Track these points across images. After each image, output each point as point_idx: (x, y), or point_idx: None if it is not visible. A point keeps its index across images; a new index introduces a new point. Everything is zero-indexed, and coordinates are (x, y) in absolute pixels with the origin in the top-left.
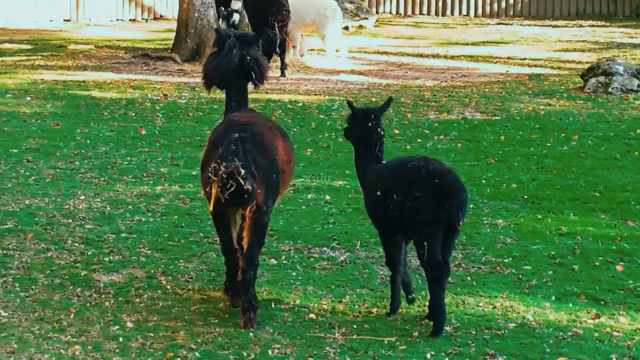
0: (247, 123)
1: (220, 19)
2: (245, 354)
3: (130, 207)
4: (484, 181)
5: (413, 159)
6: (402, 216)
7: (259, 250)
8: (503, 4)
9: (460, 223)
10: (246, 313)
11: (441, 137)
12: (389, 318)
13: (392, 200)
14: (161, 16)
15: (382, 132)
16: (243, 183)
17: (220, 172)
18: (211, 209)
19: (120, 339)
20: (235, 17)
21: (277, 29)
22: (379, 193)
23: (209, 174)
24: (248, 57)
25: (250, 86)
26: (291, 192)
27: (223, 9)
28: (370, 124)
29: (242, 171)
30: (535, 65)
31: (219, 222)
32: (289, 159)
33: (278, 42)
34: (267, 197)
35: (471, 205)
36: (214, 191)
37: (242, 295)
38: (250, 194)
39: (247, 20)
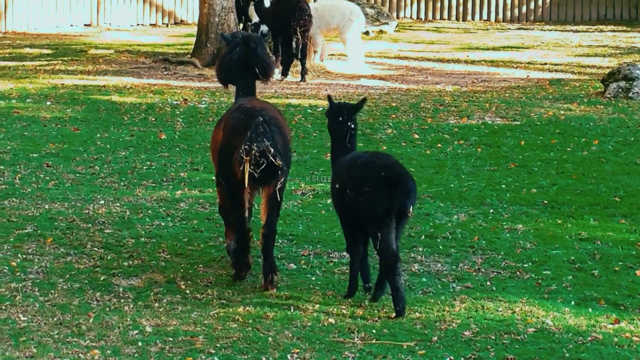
0: (263, 108)
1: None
2: (264, 358)
3: (149, 211)
4: (504, 186)
5: (364, 154)
6: (357, 208)
7: (277, 219)
8: (524, 9)
9: (410, 210)
10: (268, 275)
11: (461, 142)
12: (402, 320)
13: (347, 193)
14: (182, 21)
15: (352, 126)
16: (274, 160)
17: (253, 151)
18: (247, 184)
19: (140, 344)
20: (263, 28)
21: (299, 33)
22: (337, 186)
23: (241, 155)
24: (252, 55)
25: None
26: (311, 196)
27: (250, 24)
28: (341, 118)
29: (272, 150)
30: (556, 70)
31: (235, 201)
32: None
33: (300, 47)
34: (286, 170)
35: (491, 210)
36: (246, 169)
37: (264, 260)
38: (281, 170)
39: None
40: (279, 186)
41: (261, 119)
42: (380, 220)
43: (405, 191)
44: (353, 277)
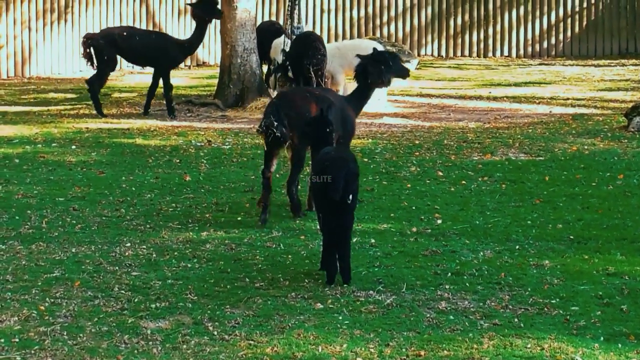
0: (285, 92)
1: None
2: None
3: (176, 253)
4: (529, 222)
5: (330, 150)
6: (314, 192)
7: (297, 172)
8: (545, 44)
9: (336, 196)
10: (294, 212)
11: (485, 178)
12: (431, 359)
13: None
14: (204, 63)
15: (327, 130)
16: (275, 131)
17: (262, 124)
18: (266, 148)
19: None
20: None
21: (312, 73)
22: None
23: (258, 128)
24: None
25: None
26: None
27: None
28: (310, 126)
29: (275, 124)
30: (579, 105)
31: (266, 156)
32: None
33: (315, 86)
34: (300, 139)
35: (517, 246)
36: (262, 137)
37: (290, 201)
38: (282, 137)
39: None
40: (291, 150)
41: (276, 101)
42: (320, 204)
43: (333, 179)
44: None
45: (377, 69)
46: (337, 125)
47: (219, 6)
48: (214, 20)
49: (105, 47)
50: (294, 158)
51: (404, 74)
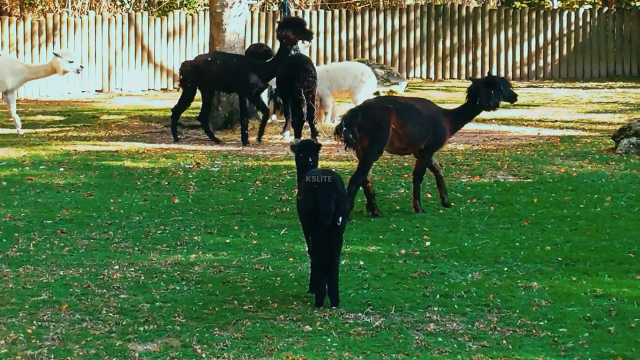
0: (368, 100)
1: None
2: None
3: (164, 276)
4: (517, 244)
5: (317, 171)
6: (300, 214)
7: (359, 175)
8: (533, 67)
9: (324, 217)
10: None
11: (474, 200)
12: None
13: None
14: None
15: (310, 160)
16: (340, 134)
17: (335, 128)
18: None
19: None
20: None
21: (303, 95)
22: (299, 197)
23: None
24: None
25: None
26: None
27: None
28: (300, 155)
29: (345, 129)
30: (567, 127)
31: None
32: (401, 125)
33: (306, 108)
34: (371, 145)
35: (505, 268)
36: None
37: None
38: (347, 142)
39: None
40: (361, 152)
41: (355, 107)
42: (308, 226)
43: (321, 202)
44: (312, 274)
45: (488, 93)
46: (422, 133)
47: (307, 26)
48: (203, 42)
49: (190, 75)
50: (362, 158)
51: (513, 99)
